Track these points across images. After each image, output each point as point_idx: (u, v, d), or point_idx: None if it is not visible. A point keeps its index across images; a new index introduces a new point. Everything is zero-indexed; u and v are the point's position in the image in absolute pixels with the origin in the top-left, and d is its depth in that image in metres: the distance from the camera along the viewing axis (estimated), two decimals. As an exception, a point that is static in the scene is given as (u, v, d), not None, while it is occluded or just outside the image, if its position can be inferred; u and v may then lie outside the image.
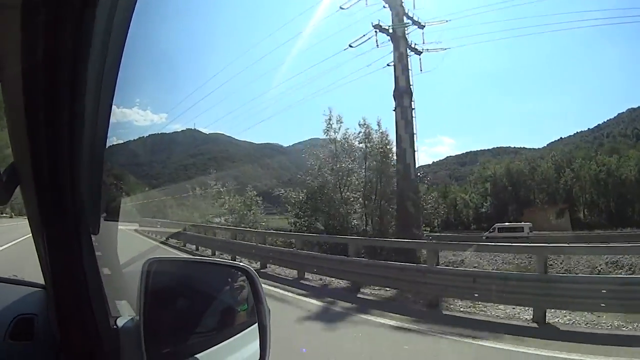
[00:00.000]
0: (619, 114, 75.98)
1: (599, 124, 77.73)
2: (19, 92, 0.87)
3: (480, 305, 7.49)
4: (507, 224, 37.68)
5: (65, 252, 1.02)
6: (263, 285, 1.16)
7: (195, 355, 1.08)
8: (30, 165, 0.93)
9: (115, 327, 1.07)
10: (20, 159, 0.95)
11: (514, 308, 7.11)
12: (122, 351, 1.06)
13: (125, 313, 1.14)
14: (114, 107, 1.02)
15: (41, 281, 1.21)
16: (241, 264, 1.14)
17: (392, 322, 6.65)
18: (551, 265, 11.09)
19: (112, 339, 1.06)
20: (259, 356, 1.09)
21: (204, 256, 13.97)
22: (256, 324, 1.11)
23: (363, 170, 21.02)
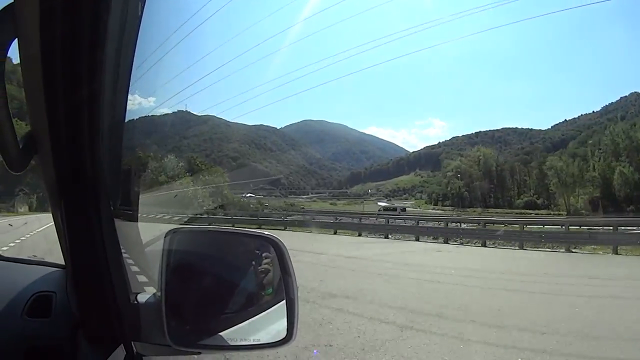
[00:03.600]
0: (621, 97, 74.75)
1: (605, 107, 76.55)
2: (38, 61, 0.86)
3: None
4: (386, 204, 55.19)
5: (84, 223, 1.01)
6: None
7: (219, 333, 1.05)
8: (49, 134, 0.91)
9: (135, 303, 1.05)
10: (38, 127, 0.92)
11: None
12: (143, 328, 1.04)
13: (146, 289, 1.10)
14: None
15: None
16: (267, 233, 1.09)
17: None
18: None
19: (132, 315, 1.04)
20: (285, 333, 1.04)
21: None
22: (283, 301, 1.06)
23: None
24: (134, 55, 1.00)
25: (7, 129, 0.90)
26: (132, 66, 1.00)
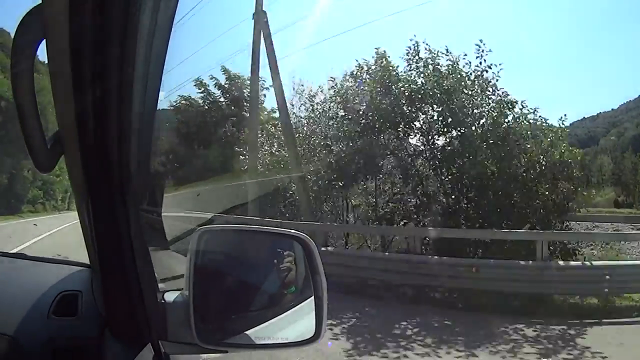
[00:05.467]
0: (640, 95, 71.30)
1: (624, 104, 73.90)
2: (66, 57, 0.86)
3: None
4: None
5: (111, 221, 1.02)
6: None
7: (247, 332, 1.04)
8: (77, 132, 0.91)
9: (163, 302, 1.06)
10: (66, 126, 0.93)
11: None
12: (169, 327, 1.06)
13: (172, 288, 1.11)
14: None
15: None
16: (295, 231, 1.10)
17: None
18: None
19: (160, 314, 1.05)
20: (313, 332, 1.04)
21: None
22: (309, 299, 1.07)
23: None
24: (165, 54, 0.99)
25: (35, 128, 0.91)
26: (163, 65, 1.00)
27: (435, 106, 10.87)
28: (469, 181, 10.43)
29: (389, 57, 11.73)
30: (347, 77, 12.98)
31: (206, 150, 20.72)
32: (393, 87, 11.12)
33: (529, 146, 10.30)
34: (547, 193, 9.98)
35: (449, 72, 10.86)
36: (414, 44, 11.21)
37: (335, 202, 13.37)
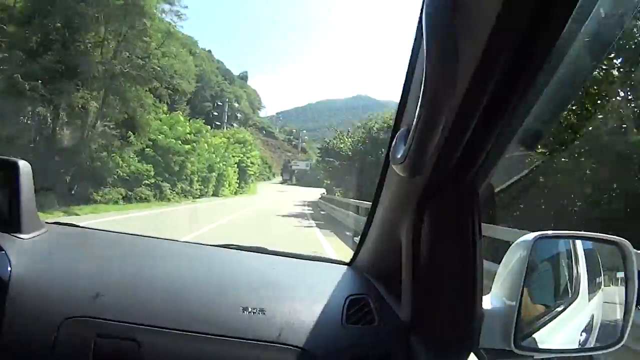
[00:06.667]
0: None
1: None
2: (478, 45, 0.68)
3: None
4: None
5: (456, 221, 0.92)
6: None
7: (558, 335, 1.02)
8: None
9: (481, 308, 0.96)
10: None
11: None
12: (483, 339, 0.98)
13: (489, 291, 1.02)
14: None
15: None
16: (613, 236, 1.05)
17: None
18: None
19: (476, 322, 0.97)
20: (616, 337, 1.07)
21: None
22: (593, 301, 1.10)
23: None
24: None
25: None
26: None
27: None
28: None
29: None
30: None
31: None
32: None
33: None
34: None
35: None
36: None
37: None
